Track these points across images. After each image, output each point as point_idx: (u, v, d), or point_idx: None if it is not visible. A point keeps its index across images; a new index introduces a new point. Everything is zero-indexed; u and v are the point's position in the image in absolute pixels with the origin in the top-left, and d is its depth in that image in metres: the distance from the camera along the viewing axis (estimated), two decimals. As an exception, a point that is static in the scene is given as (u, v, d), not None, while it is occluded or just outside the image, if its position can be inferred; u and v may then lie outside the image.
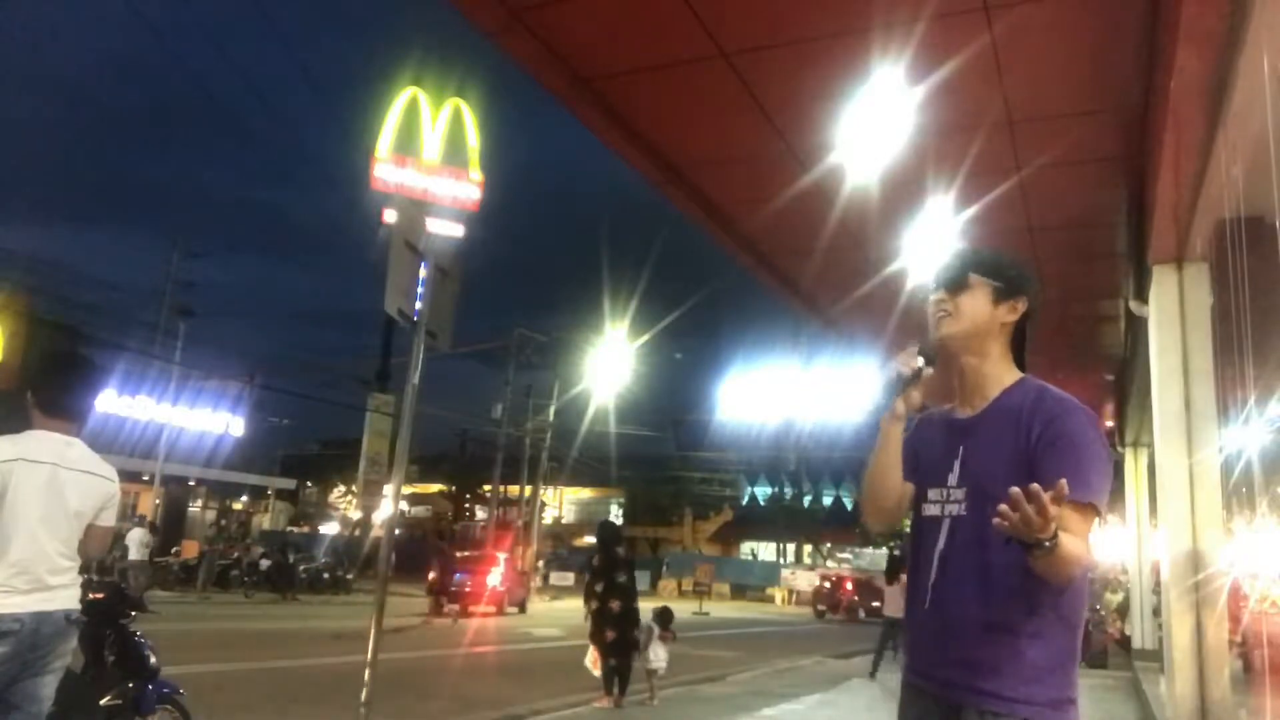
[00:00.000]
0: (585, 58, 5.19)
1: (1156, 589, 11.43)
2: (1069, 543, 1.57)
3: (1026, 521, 1.48)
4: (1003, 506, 1.49)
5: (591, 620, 7.93)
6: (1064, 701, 1.73)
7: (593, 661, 8.00)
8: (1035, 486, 1.48)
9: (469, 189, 25.48)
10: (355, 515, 37.40)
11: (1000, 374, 1.89)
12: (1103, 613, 16.13)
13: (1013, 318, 1.90)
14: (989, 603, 1.75)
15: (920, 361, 1.90)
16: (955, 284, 1.90)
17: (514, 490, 35.59)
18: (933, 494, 1.91)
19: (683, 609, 18.32)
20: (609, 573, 7.97)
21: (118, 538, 15.70)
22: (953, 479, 1.87)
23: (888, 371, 1.92)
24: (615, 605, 7.81)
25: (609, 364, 30.46)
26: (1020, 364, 1.93)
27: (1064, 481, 1.50)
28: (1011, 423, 1.80)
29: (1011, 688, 1.71)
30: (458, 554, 22.71)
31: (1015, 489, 1.49)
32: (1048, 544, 1.53)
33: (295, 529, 33.49)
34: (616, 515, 52.92)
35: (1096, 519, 1.71)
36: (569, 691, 8.50)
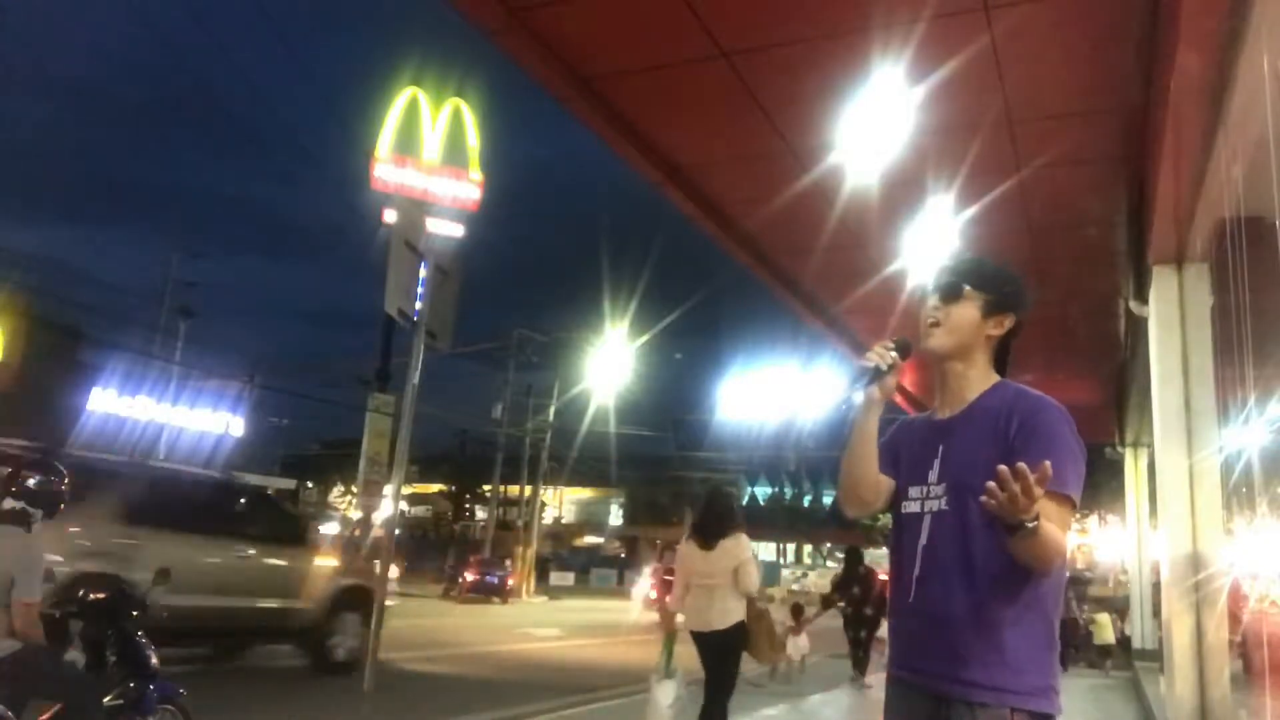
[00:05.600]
0: (585, 58, 5.18)
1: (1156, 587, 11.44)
2: (1049, 529, 1.60)
3: (1013, 499, 1.51)
4: (990, 484, 1.52)
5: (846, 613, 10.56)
6: (1046, 689, 1.77)
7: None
8: (1022, 465, 1.50)
9: (469, 189, 25.39)
10: (355, 515, 37.35)
11: (980, 379, 1.95)
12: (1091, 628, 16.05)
13: (998, 332, 1.96)
14: (970, 594, 1.78)
15: (894, 355, 1.95)
16: (950, 293, 1.96)
17: (514, 490, 35.57)
18: (913, 491, 1.95)
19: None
20: (851, 585, 10.62)
21: None
22: (933, 476, 1.92)
23: (862, 364, 1.96)
24: (869, 612, 10.25)
25: (609, 364, 30.43)
26: (1002, 374, 1.99)
27: (1048, 463, 1.53)
28: (990, 421, 1.86)
29: (996, 677, 1.74)
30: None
31: (1003, 467, 1.51)
32: (1030, 525, 1.55)
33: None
34: (616, 515, 52.89)
35: (1072, 511, 1.75)
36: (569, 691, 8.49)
